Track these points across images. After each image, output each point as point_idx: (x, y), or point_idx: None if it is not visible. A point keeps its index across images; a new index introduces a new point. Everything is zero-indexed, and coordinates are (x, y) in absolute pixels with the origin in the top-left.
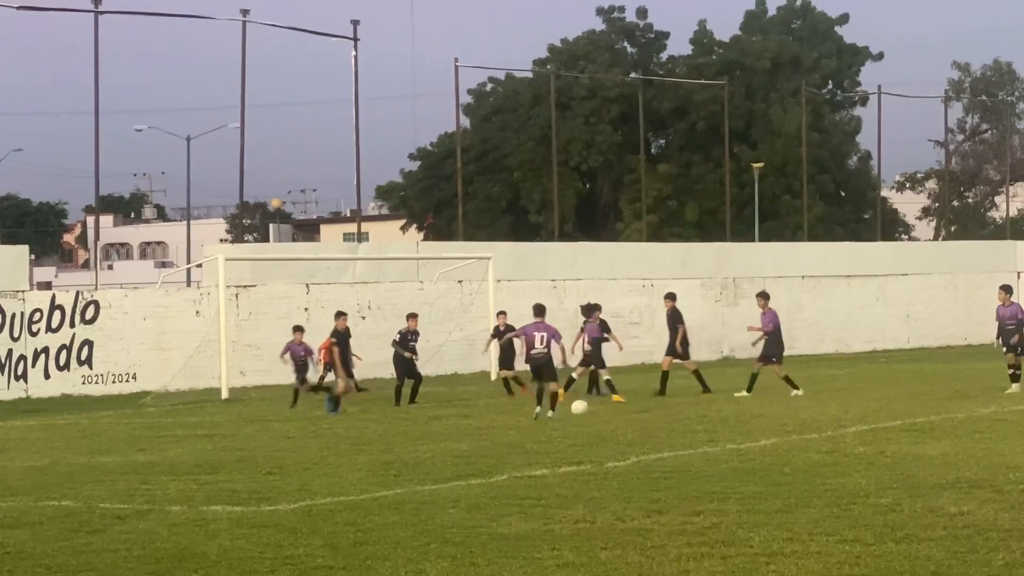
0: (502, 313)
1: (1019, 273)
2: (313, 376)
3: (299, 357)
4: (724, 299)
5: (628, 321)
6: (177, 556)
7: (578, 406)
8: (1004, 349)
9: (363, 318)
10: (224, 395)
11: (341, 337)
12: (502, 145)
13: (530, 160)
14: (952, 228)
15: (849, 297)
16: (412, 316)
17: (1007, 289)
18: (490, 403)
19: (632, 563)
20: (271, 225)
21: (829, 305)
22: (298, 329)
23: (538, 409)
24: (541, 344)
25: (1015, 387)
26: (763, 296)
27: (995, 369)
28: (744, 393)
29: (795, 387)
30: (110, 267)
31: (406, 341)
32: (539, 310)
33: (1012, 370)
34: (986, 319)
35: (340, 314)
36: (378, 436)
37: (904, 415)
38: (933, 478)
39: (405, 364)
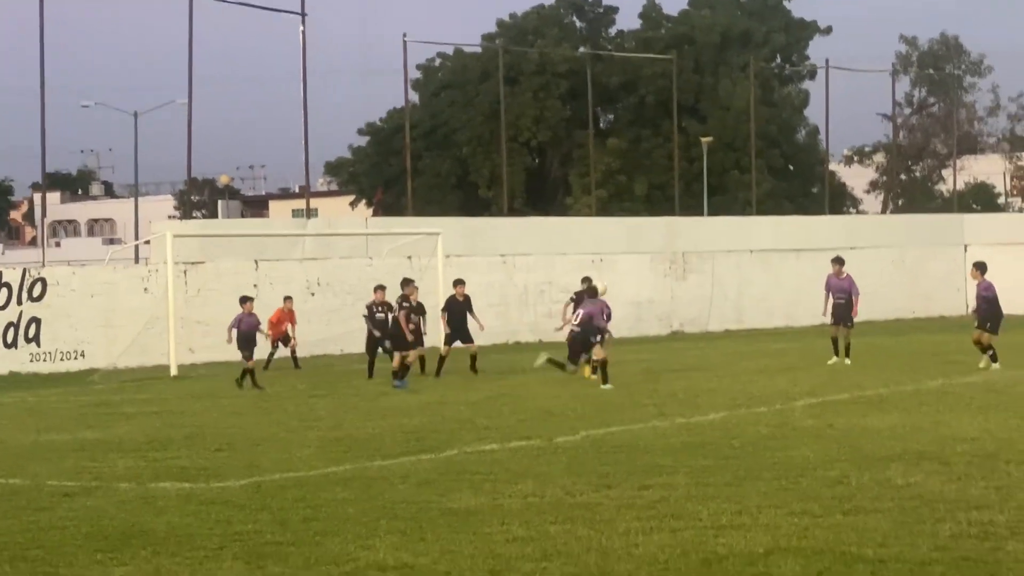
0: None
1: (966, 246)
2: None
3: (249, 330)
4: (673, 273)
5: None
6: (125, 533)
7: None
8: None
9: (312, 294)
10: (173, 372)
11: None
12: (451, 120)
13: (479, 135)
14: (900, 202)
15: (798, 271)
16: (379, 288)
17: (980, 267)
18: (440, 379)
19: (581, 537)
20: (219, 201)
21: (778, 279)
22: (247, 300)
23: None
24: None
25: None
26: (838, 261)
27: (944, 342)
28: (835, 359)
29: (847, 356)
30: (57, 244)
31: (373, 314)
32: (593, 292)
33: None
34: (934, 292)
35: (409, 281)
36: (328, 412)
37: (852, 388)
38: (881, 450)
39: (375, 338)
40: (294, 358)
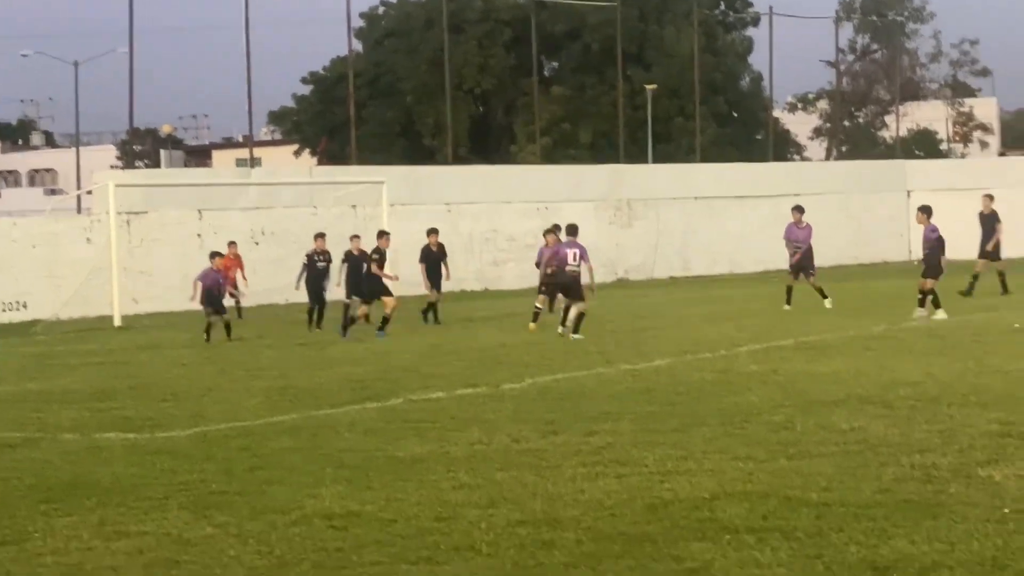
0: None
1: (909, 192)
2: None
3: (215, 286)
4: (618, 221)
5: (523, 244)
6: (70, 484)
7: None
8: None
9: (256, 244)
10: (117, 322)
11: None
12: (395, 69)
13: (423, 84)
14: (843, 148)
15: (742, 218)
16: (320, 236)
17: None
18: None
19: (528, 484)
20: (162, 151)
21: (723, 226)
22: (217, 255)
23: (561, 328)
24: (573, 261)
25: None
26: (799, 210)
27: (888, 287)
28: (787, 307)
29: (825, 296)
30: None
31: (314, 263)
32: (572, 230)
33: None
34: (878, 237)
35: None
36: (273, 362)
37: (797, 334)
38: (825, 395)
39: (314, 287)
40: (238, 308)
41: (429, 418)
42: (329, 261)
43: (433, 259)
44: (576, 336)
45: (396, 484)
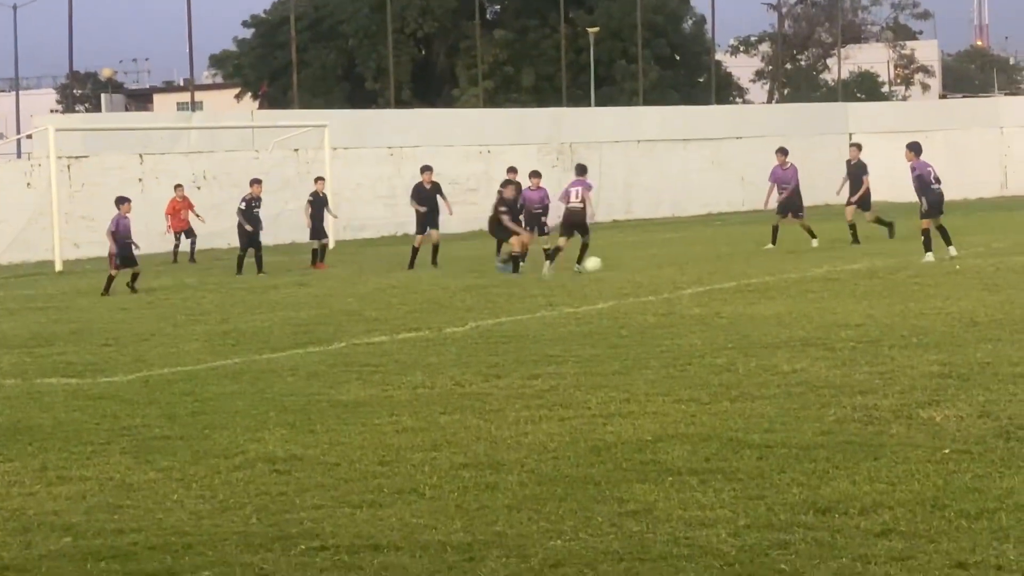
0: (320, 179)
1: (851, 135)
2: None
3: (126, 232)
4: (561, 164)
5: (466, 188)
6: (11, 429)
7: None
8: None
9: (198, 188)
10: (58, 267)
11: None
12: (337, 12)
13: (365, 27)
14: (785, 91)
15: (685, 161)
16: (256, 182)
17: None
18: (328, 271)
19: (471, 427)
20: (103, 95)
21: (665, 169)
22: (125, 200)
23: (546, 267)
24: (576, 198)
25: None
26: (782, 151)
27: (829, 229)
28: (770, 246)
29: (814, 236)
30: None
31: (251, 208)
32: (580, 169)
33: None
34: (818, 180)
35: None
36: (215, 306)
37: (739, 276)
38: (767, 337)
39: (248, 232)
40: (192, 251)
41: (372, 362)
42: (259, 207)
43: (427, 196)
44: (584, 267)
45: (339, 428)
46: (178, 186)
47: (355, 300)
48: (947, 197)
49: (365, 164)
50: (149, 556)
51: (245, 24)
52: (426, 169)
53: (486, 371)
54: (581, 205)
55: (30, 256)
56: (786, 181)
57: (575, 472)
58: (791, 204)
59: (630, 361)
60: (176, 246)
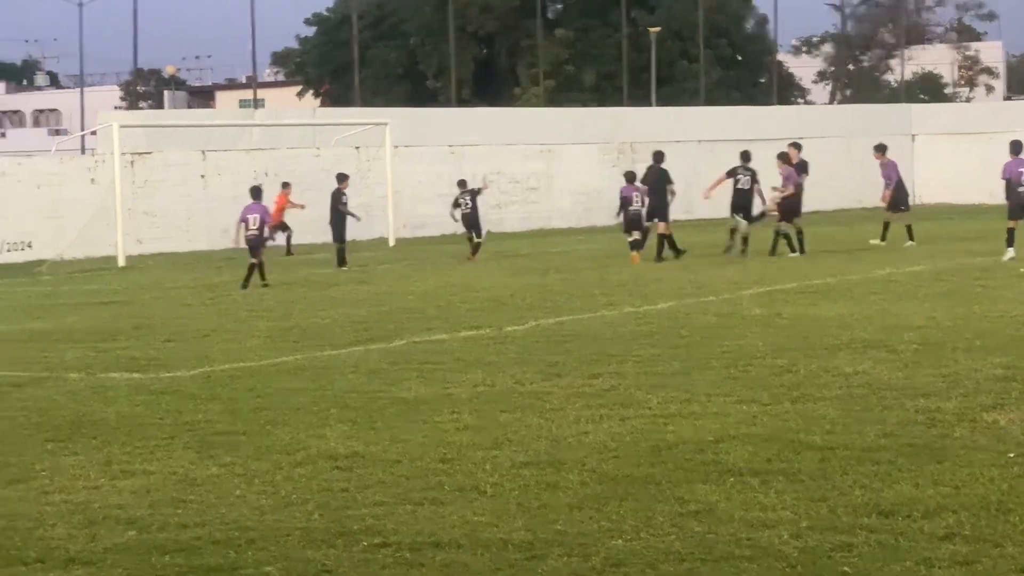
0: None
1: (913, 136)
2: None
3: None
4: (621, 164)
5: (526, 187)
6: (76, 423)
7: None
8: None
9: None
10: (121, 263)
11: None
12: (399, 10)
13: (427, 25)
14: (847, 92)
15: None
16: (344, 177)
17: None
18: (389, 269)
19: (531, 425)
20: (166, 92)
21: (725, 169)
22: (256, 194)
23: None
24: (636, 201)
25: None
26: (879, 149)
27: (892, 232)
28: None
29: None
30: (2, 135)
31: (343, 203)
32: (629, 177)
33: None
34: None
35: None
36: (277, 303)
37: (800, 277)
38: (828, 339)
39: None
40: (288, 244)
41: (433, 360)
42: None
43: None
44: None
45: (400, 425)
46: (286, 184)
47: (415, 298)
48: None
49: (425, 162)
50: (212, 550)
51: (307, 22)
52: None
53: (547, 370)
54: (639, 208)
55: (94, 251)
56: (887, 177)
57: (636, 472)
58: (899, 199)
59: (691, 361)
60: (288, 238)
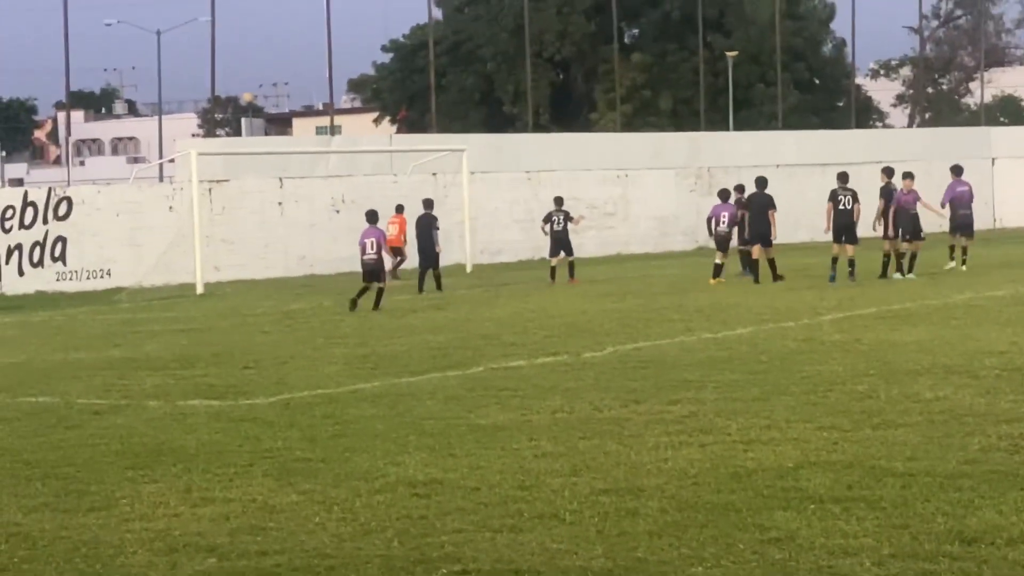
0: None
1: (993, 160)
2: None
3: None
4: (699, 189)
5: (603, 212)
6: (155, 450)
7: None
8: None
9: (337, 212)
10: (199, 290)
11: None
12: (475, 36)
13: (503, 51)
14: (927, 115)
15: (824, 185)
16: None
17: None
18: (466, 295)
19: (611, 452)
20: (243, 119)
21: (804, 193)
22: (373, 218)
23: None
24: (722, 223)
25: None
26: (956, 170)
27: (974, 255)
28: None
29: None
30: (82, 163)
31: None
32: (722, 194)
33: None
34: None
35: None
36: (353, 330)
37: (880, 302)
38: (909, 364)
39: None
40: (396, 269)
41: (511, 386)
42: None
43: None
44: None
45: (479, 452)
46: (400, 207)
47: (492, 324)
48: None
49: (502, 188)
50: None
51: (384, 48)
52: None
53: (625, 396)
54: (727, 229)
55: (172, 279)
56: (964, 204)
57: (716, 499)
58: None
59: (770, 387)
60: (399, 263)
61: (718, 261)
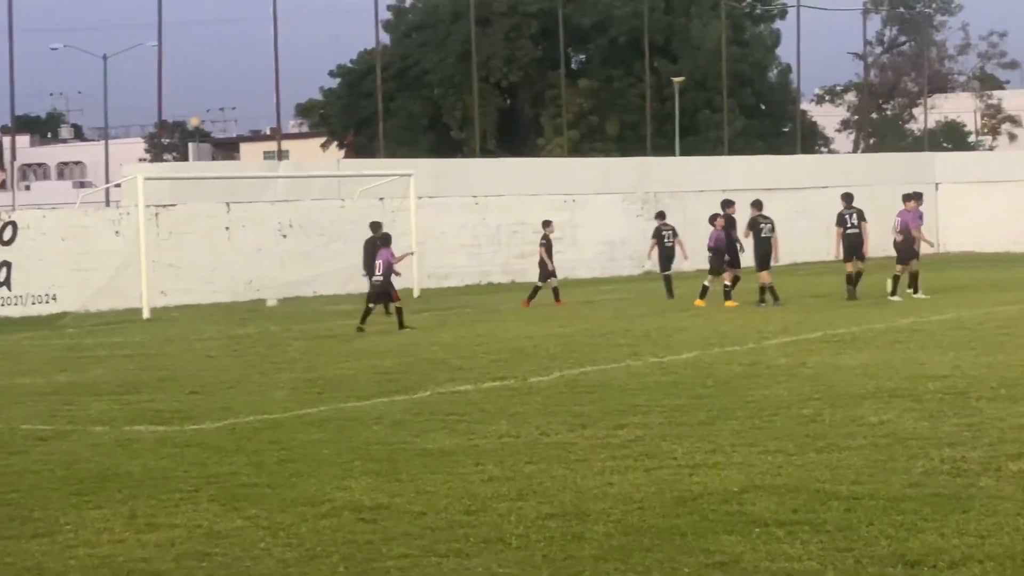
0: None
1: (937, 185)
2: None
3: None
4: (645, 214)
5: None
6: (100, 476)
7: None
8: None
9: (284, 236)
10: (145, 315)
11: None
12: (423, 61)
13: (451, 76)
14: (871, 140)
15: (770, 210)
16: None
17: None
18: (413, 320)
19: (557, 476)
20: (190, 144)
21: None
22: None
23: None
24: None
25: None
26: (917, 198)
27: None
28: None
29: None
30: (27, 188)
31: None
32: (711, 219)
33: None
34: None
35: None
36: (301, 354)
37: (825, 326)
38: (853, 388)
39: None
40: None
41: (457, 411)
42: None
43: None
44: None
45: (425, 477)
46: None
47: (440, 349)
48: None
49: (450, 213)
50: None
51: (331, 74)
52: (546, 223)
53: (571, 421)
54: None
55: (118, 304)
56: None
57: (661, 523)
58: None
59: (716, 411)
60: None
61: (727, 283)
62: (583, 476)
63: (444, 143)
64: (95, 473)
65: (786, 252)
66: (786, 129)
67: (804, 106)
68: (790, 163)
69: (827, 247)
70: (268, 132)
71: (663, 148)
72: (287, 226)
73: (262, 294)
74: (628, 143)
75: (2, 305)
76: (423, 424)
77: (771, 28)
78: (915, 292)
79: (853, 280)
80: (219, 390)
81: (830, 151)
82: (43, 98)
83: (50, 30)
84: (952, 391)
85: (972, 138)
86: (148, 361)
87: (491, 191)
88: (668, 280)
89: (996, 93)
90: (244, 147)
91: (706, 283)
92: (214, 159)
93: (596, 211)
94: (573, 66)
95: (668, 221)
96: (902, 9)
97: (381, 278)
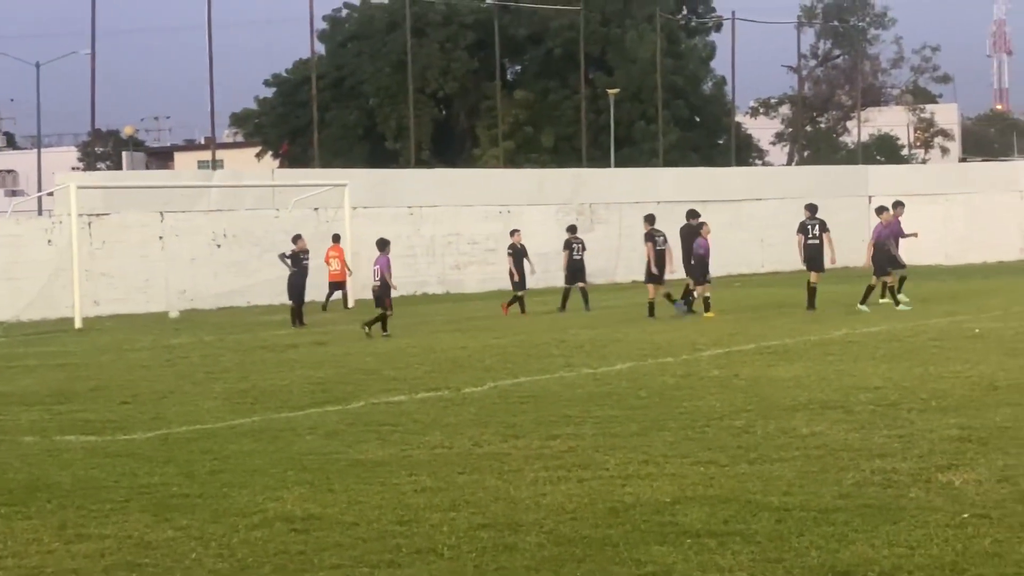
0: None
1: (870, 197)
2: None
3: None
4: (580, 224)
5: (484, 248)
6: (30, 486)
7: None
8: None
9: (218, 246)
10: (78, 324)
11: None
12: (358, 72)
13: (386, 87)
14: (805, 153)
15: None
16: (299, 237)
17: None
18: (347, 330)
19: (489, 487)
20: (124, 153)
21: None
22: (381, 246)
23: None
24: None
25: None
26: (900, 205)
27: (848, 292)
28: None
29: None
30: None
31: (300, 261)
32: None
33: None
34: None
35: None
36: (235, 364)
37: (758, 338)
38: (786, 400)
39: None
40: (345, 297)
41: (391, 421)
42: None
43: (519, 255)
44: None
45: (358, 487)
46: (337, 236)
47: (374, 359)
48: (968, 260)
49: (385, 223)
50: None
51: (266, 83)
52: (515, 232)
53: (505, 431)
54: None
55: (50, 313)
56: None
57: (593, 533)
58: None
59: (649, 422)
60: (329, 295)
61: (707, 294)
62: (516, 487)
63: (379, 153)
64: (24, 483)
65: (720, 264)
66: (721, 141)
67: (739, 118)
68: (724, 175)
69: (761, 259)
70: (202, 141)
71: (598, 159)
72: (221, 236)
73: (197, 304)
74: (563, 154)
75: None
76: (356, 435)
77: (706, 41)
78: (877, 301)
79: (810, 290)
80: (151, 400)
81: (765, 163)
82: None
83: None
84: (883, 403)
85: (905, 151)
86: (80, 371)
87: (426, 201)
88: (568, 293)
89: (929, 107)
90: (178, 156)
91: (707, 295)
92: (148, 168)
93: (531, 222)
94: (509, 77)
95: (578, 235)
96: (836, 23)
97: (378, 283)
